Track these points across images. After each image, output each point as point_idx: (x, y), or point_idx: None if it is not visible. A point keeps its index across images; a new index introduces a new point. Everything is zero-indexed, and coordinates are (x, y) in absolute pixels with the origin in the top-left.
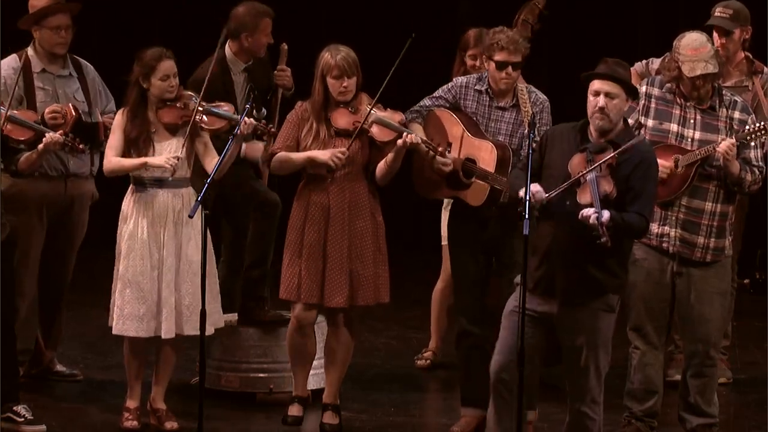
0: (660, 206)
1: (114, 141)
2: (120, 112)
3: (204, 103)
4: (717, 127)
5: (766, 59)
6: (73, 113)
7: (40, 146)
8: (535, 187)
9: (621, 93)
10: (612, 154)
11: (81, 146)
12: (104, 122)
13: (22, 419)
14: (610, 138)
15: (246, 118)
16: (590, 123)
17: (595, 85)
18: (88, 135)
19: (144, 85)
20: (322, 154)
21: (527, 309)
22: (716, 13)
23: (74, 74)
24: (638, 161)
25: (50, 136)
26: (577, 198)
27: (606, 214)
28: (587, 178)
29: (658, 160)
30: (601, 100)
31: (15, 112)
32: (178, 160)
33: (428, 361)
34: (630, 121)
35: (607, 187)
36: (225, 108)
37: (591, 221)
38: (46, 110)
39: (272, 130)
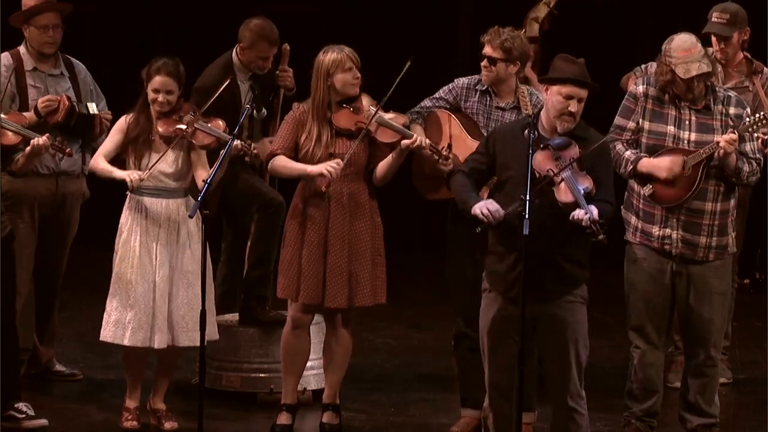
0: (663, 208)
1: (108, 144)
2: (124, 117)
3: (199, 120)
4: (712, 127)
5: (766, 59)
6: (66, 102)
7: (27, 149)
8: (492, 206)
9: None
10: (578, 155)
11: (68, 150)
12: (101, 115)
13: (24, 415)
14: (569, 131)
15: (235, 141)
16: (557, 123)
17: (569, 90)
18: (83, 125)
19: (146, 89)
20: (315, 167)
21: (512, 317)
22: (713, 19)
23: (66, 73)
24: (597, 150)
25: (36, 140)
26: (556, 197)
27: (595, 211)
28: (563, 176)
29: (666, 161)
30: (574, 106)
31: (4, 116)
32: (141, 179)
33: None
34: (632, 124)
35: (587, 183)
36: (218, 123)
37: (584, 223)
38: (40, 100)
39: (255, 151)
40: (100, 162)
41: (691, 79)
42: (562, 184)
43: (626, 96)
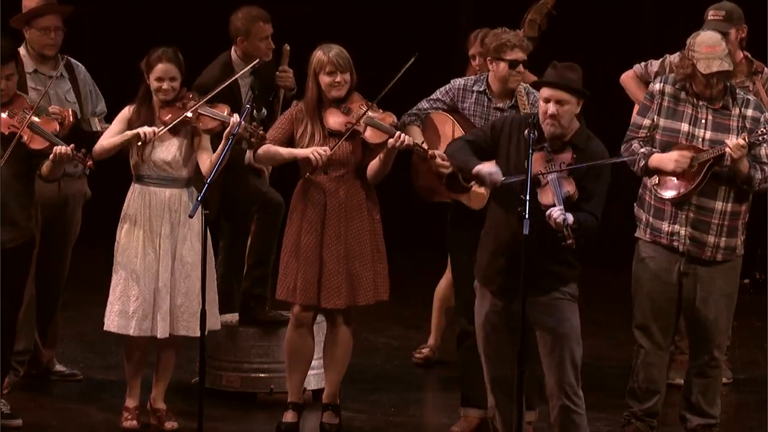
0: (671, 205)
1: (111, 132)
2: (128, 107)
3: (200, 105)
4: (728, 127)
5: (766, 59)
6: (71, 119)
7: (50, 157)
8: (492, 167)
9: (572, 99)
10: (570, 161)
11: (90, 163)
12: (100, 128)
13: None
14: (568, 140)
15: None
16: (543, 127)
17: (545, 92)
18: (81, 141)
19: (147, 80)
20: (303, 150)
21: (503, 311)
22: (709, 17)
23: (65, 75)
24: (591, 162)
25: (59, 149)
26: (538, 198)
27: (571, 217)
28: (548, 178)
29: (674, 154)
30: (551, 108)
31: (38, 120)
32: (155, 133)
33: (423, 355)
34: (647, 121)
35: (570, 187)
36: (222, 108)
37: (557, 221)
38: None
39: (261, 132)
40: (108, 140)
41: (711, 76)
42: (547, 186)
43: (644, 95)
